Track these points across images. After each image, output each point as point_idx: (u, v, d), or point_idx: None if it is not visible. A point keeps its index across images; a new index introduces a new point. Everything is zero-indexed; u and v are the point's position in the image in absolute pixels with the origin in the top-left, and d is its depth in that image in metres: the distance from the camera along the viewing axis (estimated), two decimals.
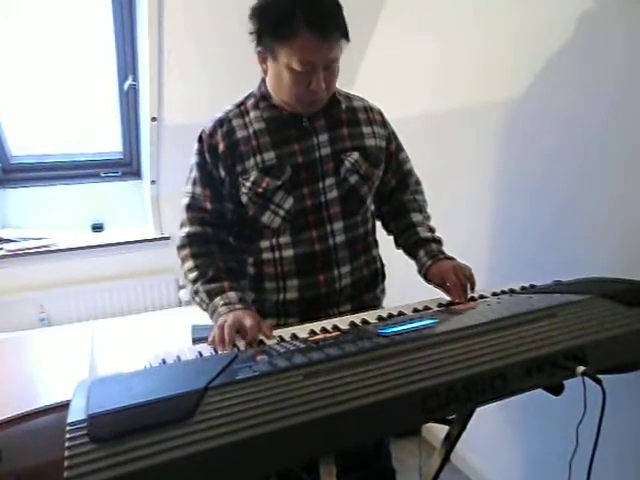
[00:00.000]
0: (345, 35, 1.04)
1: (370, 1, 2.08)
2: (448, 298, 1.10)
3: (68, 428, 0.55)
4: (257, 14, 1.03)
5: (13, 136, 2.45)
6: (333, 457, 1.39)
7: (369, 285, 1.23)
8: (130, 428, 0.55)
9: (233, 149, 1.11)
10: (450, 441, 1.12)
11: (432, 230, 1.27)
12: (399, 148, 1.30)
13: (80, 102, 2.51)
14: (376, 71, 2.24)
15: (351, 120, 1.19)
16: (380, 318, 0.97)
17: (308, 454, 0.62)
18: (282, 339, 0.89)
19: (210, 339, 0.93)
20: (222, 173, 1.12)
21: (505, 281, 1.18)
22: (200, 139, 1.14)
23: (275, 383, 0.64)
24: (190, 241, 1.12)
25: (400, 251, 1.28)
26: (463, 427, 1.09)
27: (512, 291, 1.09)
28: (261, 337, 0.92)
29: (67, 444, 0.53)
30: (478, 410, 0.89)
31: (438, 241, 1.24)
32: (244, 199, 1.11)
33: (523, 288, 1.11)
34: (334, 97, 1.17)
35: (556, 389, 0.82)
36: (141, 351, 0.88)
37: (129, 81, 2.37)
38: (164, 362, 0.81)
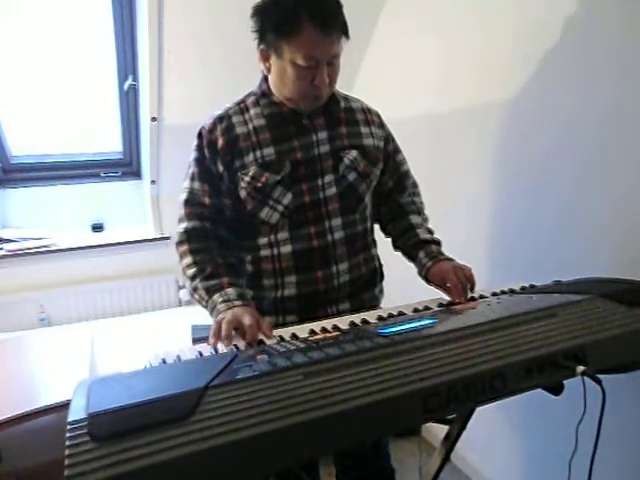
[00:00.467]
0: (345, 32, 1.06)
1: (370, 1, 2.08)
2: (448, 298, 1.10)
3: (68, 427, 0.55)
4: (260, 12, 1.05)
5: (13, 136, 2.45)
6: (332, 457, 1.39)
7: (367, 284, 1.23)
8: (130, 427, 0.55)
9: (232, 145, 1.12)
10: (450, 441, 1.12)
11: (431, 232, 1.28)
12: (396, 150, 1.32)
13: (80, 102, 2.51)
14: (376, 71, 2.24)
15: (349, 120, 1.20)
16: (380, 318, 0.97)
17: (308, 453, 0.62)
18: (282, 339, 0.89)
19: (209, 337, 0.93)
20: (220, 168, 1.12)
21: (505, 281, 1.18)
22: (199, 135, 1.15)
23: (275, 382, 0.64)
24: (188, 237, 1.12)
25: (398, 253, 1.29)
26: (463, 427, 1.09)
27: (512, 291, 1.09)
28: (261, 337, 0.92)
29: (67, 443, 0.53)
30: (478, 410, 0.90)
31: (437, 242, 1.25)
32: (243, 194, 1.12)
33: (523, 288, 1.11)
34: (333, 96, 1.19)
35: (556, 389, 0.82)
36: (141, 351, 0.88)
37: (129, 81, 2.37)
38: (164, 362, 0.81)
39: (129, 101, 2.46)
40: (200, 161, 1.14)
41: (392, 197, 1.31)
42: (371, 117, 1.25)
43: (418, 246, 1.23)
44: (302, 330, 0.92)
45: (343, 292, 1.17)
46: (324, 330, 0.90)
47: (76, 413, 0.58)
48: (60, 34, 2.30)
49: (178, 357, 0.84)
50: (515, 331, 0.79)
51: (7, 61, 2.28)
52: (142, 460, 0.52)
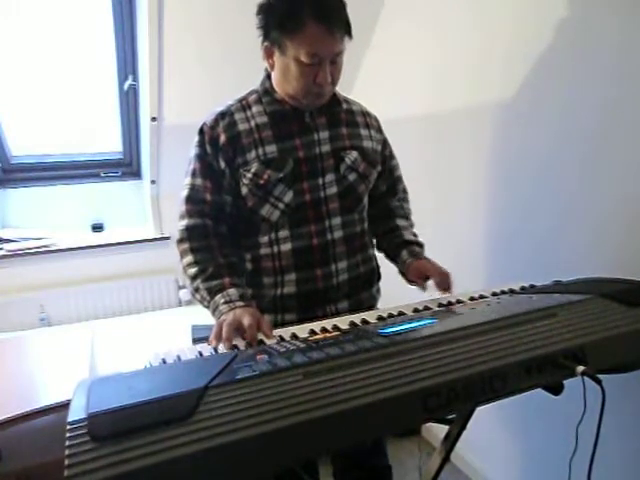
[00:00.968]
0: (349, 31, 1.07)
1: (370, 3, 2.08)
2: (438, 295, 1.13)
3: (68, 427, 0.55)
4: (265, 9, 1.06)
5: (13, 136, 2.45)
6: (330, 457, 1.39)
7: (365, 283, 1.24)
8: (130, 427, 0.55)
9: (234, 141, 1.12)
10: (450, 441, 1.12)
11: (415, 235, 1.31)
12: (391, 155, 1.34)
13: (80, 102, 2.51)
14: (375, 72, 2.24)
15: (350, 121, 1.22)
16: (380, 318, 0.97)
17: (308, 453, 0.62)
18: (282, 339, 0.89)
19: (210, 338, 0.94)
20: (222, 164, 1.12)
21: (505, 281, 1.18)
22: (201, 131, 1.15)
23: (275, 382, 0.64)
24: (189, 235, 1.11)
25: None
26: (463, 427, 1.09)
27: (512, 291, 1.09)
28: (261, 337, 0.92)
29: (67, 443, 0.53)
30: (478, 410, 0.89)
31: (421, 245, 1.28)
32: (244, 190, 1.12)
33: (523, 288, 1.11)
34: (335, 97, 1.20)
35: (556, 389, 0.82)
36: (141, 351, 0.88)
37: (129, 81, 2.37)
38: (164, 362, 0.81)
39: (129, 101, 2.46)
40: (202, 157, 1.14)
41: (383, 200, 1.33)
42: (370, 120, 1.27)
43: (402, 246, 1.26)
44: (302, 330, 0.92)
45: (342, 291, 1.17)
46: (324, 330, 0.90)
47: (76, 413, 0.58)
48: (60, 34, 2.31)
49: (178, 357, 0.84)
50: (515, 331, 0.79)
51: (7, 61, 2.28)
52: (142, 460, 0.52)
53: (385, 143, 1.31)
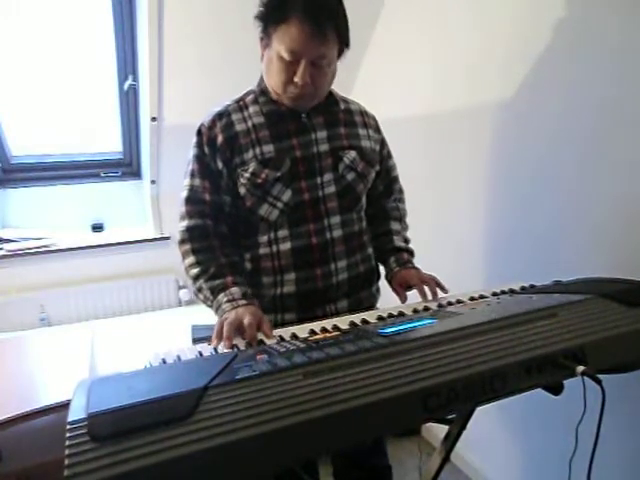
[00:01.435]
0: (342, 38, 1.06)
1: (369, 3, 2.08)
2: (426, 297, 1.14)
3: (68, 427, 0.55)
4: (262, 2, 1.05)
5: (13, 136, 2.45)
6: (330, 457, 1.39)
7: (365, 282, 1.24)
8: (130, 427, 0.55)
9: (232, 141, 1.12)
10: (450, 441, 1.12)
11: (407, 241, 1.32)
12: (389, 155, 1.35)
13: (80, 102, 2.51)
14: (375, 73, 2.24)
15: (348, 121, 1.22)
16: (380, 318, 0.97)
17: (308, 453, 0.62)
18: (282, 339, 0.89)
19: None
20: (220, 165, 1.12)
21: (505, 281, 1.18)
22: (199, 132, 1.15)
23: (275, 382, 0.64)
24: (191, 235, 1.12)
25: None
26: (463, 427, 1.09)
27: (512, 291, 1.09)
28: (261, 336, 0.92)
29: (67, 443, 0.53)
30: (478, 410, 0.89)
31: (410, 252, 1.29)
32: (242, 190, 1.12)
33: (523, 288, 1.11)
34: (333, 97, 1.20)
35: (556, 389, 0.82)
36: (141, 351, 0.89)
37: (129, 81, 2.37)
38: (164, 362, 0.81)
39: (129, 101, 2.46)
40: (200, 158, 1.14)
41: (379, 201, 1.34)
42: (368, 120, 1.27)
43: (391, 252, 1.27)
44: (302, 330, 0.92)
45: (341, 290, 1.17)
46: (324, 330, 0.90)
47: (76, 413, 0.58)
48: (60, 34, 2.30)
49: (178, 357, 0.84)
50: (515, 331, 0.79)
51: (7, 61, 2.28)
52: (142, 460, 0.52)
53: (383, 143, 1.31)
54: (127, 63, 2.34)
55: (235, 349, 0.88)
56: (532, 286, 1.11)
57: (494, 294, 1.08)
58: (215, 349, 0.89)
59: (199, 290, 1.09)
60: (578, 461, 0.90)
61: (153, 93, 2.19)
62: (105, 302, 2.59)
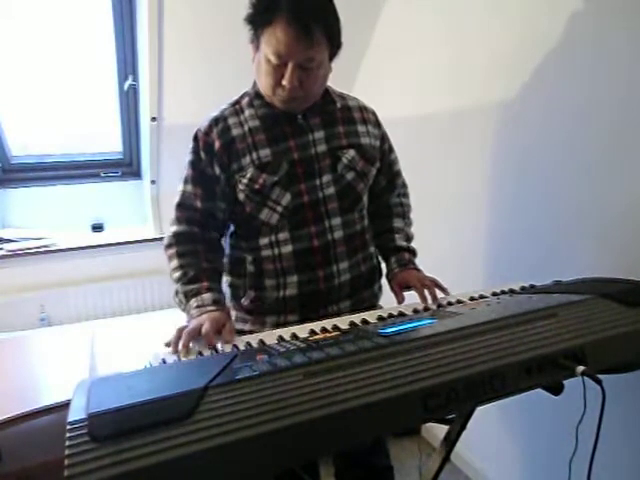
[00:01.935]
0: (331, 39, 1.04)
1: (369, 4, 2.08)
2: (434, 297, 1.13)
3: (68, 427, 0.55)
4: (252, 3, 1.05)
5: (13, 136, 2.45)
6: (331, 457, 1.39)
7: (367, 282, 1.24)
8: (130, 427, 0.55)
9: (229, 147, 1.11)
10: (450, 441, 1.12)
11: (409, 239, 1.31)
12: (390, 149, 1.33)
13: (80, 102, 2.51)
14: (376, 71, 2.24)
15: (346, 118, 1.20)
16: (380, 318, 0.97)
17: (308, 453, 0.62)
18: (282, 339, 0.89)
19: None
20: (217, 171, 1.12)
21: (506, 281, 1.18)
22: (195, 138, 1.15)
23: (275, 382, 0.64)
24: (177, 240, 1.13)
25: None
26: (463, 427, 1.09)
27: (512, 291, 1.09)
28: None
29: (67, 443, 0.53)
30: (478, 410, 0.89)
31: (411, 251, 1.28)
32: (241, 196, 1.12)
33: (523, 288, 1.11)
34: (329, 96, 1.19)
35: (556, 389, 0.82)
36: (141, 351, 0.89)
37: (129, 81, 2.37)
38: (164, 362, 0.81)
39: (129, 101, 2.46)
40: (195, 164, 1.14)
41: (382, 196, 1.32)
42: (367, 115, 1.25)
43: (392, 251, 1.27)
44: (302, 330, 0.92)
45: (344, 291, 1.17)
46: (324, 330, 0.90)
47: (76, 413, 0.58)
48: (60, 34, 2.30)
49: (178, 357, 0.84)
50: (515, 331, 0.79)
51: (7, 61, 2.28)
52: (142, 460, 0.52)
53: (384, 137, 1.29)
54: (127, 63, 2.34)
55: (235, 349, 0.88)
56: (532, 286, 1.11)
57: (494, 294, 1.08)
58: (179, 356, 0.88)
59: (176, 293, 1.09)
60: (578, 461, 0.90)
61: (153, 93, 2.19)
62: (105, 302, 2.59)
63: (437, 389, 0.68)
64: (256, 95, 1.15)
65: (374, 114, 1.28)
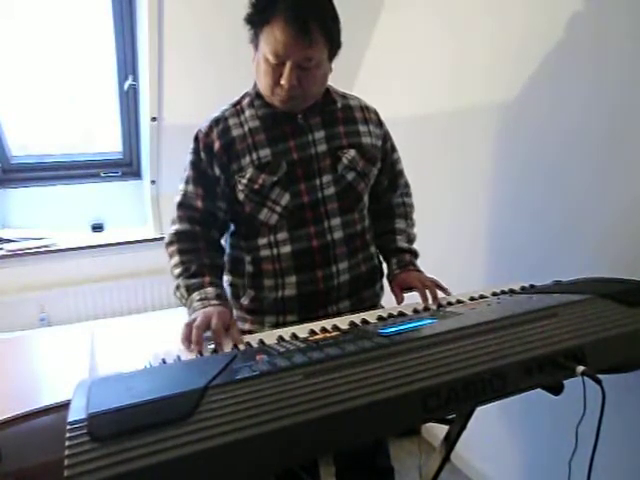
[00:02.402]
0: (330, 38, 1.04)
1: (369, 4, 2.08)
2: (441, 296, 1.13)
3: (68, 427, 0.55)
4: (250, 3, 1.05)
5: (13, 136, 2.45)
6: (332, 457, 1.39)
7: (367, 282, 1.23)
8: (130, 427, 0.55)
9: (229, 147, 1.12)
10: (450, 441, 1.12)
11: (411, 240, 1.31)
12: (393, 148, 1.32)
13: (80, 102, 2.51)
14: (377, 70, 2.24)
15: (347, 118, 1.20)
16: (380, 318, 0.97)
17: (308, 453, 0.62)
18: (282, 339, 0.89)
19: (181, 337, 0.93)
20: (217, 171, 1.12)
21: (505, 282, 1.18)
22: (196, 138, 1.15)
23: (275, 382, 0.64)
24: (178, 238, 1.13)
25: None
26: (463, 427, 1.09)
27: (512, 291, 1.09)
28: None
29: (67, 443, 0.53)
30: (478, 410, 0.89)
31: (412, 252, 1.28)
32: (240, 196, 1.12)
33: (523, 288, 1.11)
34: (330, 96, 1.18)
35: (556, 389, 0.82)
36: (141, 351, 0.89)
37: (129, 81, 2.37)
38: (164, 362, 0.81)
39: (129, 101, 2.46)
40: (196, 164, 1.14)
41: (385, 196, 1.32)
42: (369, 115, 1.24)
43: (393, 253, 1.27)
44: (302, 330, 0.92)
45: (343, 291, 1.17)
46: (324, 330, 0.90)
47: (76, 413, 0.58)
48: (60, 34, 2.31)
49: (178, 357, 0.84)
50: (515, 331, 0.79)
51: (7, 61, 2.28)
52: (142, 460, 0.52)
53: (386, 137, 1.28)
54: (127, 63, 2.34)
55: (235, 349, 0.88)
56: (532, 286, 1.11)
57: (494, 294, 1.08)
58: (200, 352, 0.88)
59: (177, 288, 1.09)
60: (578, 461, 0.90)
61: (153, 93, 2.19)
62: (105, 302, 2.59)
63: (437, 389, 0.68)
64: (257, 95, 1.15)
65: (376, 113, 1.27)
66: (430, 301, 1.10)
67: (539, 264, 1.47)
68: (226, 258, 1.23)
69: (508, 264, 1.61)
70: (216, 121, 1.14)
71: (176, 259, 1.11)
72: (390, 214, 1.32)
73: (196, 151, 1.14)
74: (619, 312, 0.87)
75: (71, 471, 0.51)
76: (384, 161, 1.27)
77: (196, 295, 1.03)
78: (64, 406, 0.65)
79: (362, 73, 2.31)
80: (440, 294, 1.13)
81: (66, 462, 0.51)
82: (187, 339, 0.91)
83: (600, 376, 0.75)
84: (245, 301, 1.19)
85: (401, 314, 0.98)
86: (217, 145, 1.12)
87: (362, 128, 1.21)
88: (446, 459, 1.14)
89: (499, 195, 1.62)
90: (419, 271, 1.23)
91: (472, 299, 1.06)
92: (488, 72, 1.61)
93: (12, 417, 1.24)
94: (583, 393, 0.80)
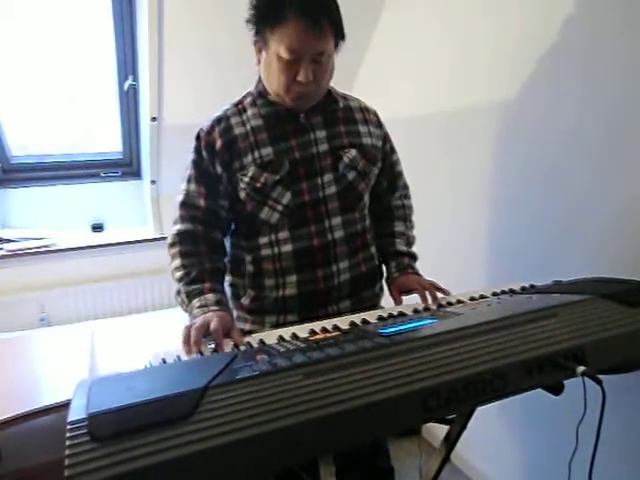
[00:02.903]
0: (337, 31, 1.05)
1: (369, 4, 2.08)
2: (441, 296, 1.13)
3: (68, 427, 0.55)
4: (254, 2, 1.05)
5: (13, 136, 2.45)
6: (332, 457, 1.39)
7: (368, 282, 1.23)
8: (130, 427, 0.55)
9: (230, 146, 1.12)
10: (450, 441, 1.12)
11: (410, 243, 1.31)
12: (392, 149, 1.33)
13: (80, 102, 2.51)
14: (376, 70, 2.24)
15: (348, 118, 1.20)
16: (380, 318, 0.97)
17: (308, 453, 0.62)
18: (282, 339, 0.89)
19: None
20: (219, 170, 1.12)
21: (506, 282, 1.18)
22: (197, 137, 1.15)
23: (275, 382, 0.64)
24: (180, 239, 1.12)
25: None
26: (463, 427, 1.09)
27: (512, 291, 1.09)
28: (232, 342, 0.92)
29: (67, 443, 0.53)
30: (478, 410, 0.90)
31: (412, 256, 1.28)
32: (242, 195, 1.12)
33: (523, 288, 1.11)
34: (331, 95, 1.19)
35: (556, 389, 0.82)
36: (141, 351, 0.89)
37: (129, 81, 2.37)
38: (164, 362, 0.81)
39: (129, 101, 2.46)
40: (198, 163, 1.14)
41: (384, 198, 1.32)
42: (369, 116, 1.25)
43: (392, 256, 1.27)
44: (302, 330, 0.92)
45: (344, 291, 1.17)
46: (324, 330, 0.90)
47: (76, 413, 0.58)
48: (60, 34, 2.31)
49: (178, 357, 0.84)
50: (515, 331, 0.79)
51: (7, 61, 2.28)
52: (142, 460, 0.52)
53: (386, 138, 1.29)
54: (127, 63, 2.34)
55: (235, 349, 0.88)
56: (532, 286, 1.11)
57: (494, 294, 1.08)
58: (202, 352, 0.88)
59: (178, 293, 1.09)
60: (578, 461, 0.90)
61: (153, 93, 2.19)
62: (105, 302, 2.59)
63: (437, 389, 0.68)
64: (259, 95, 1.15)
65: (376, 115, 1.28)
66: (430, 302, 1.10)
67: (539, 264, 1.47)
68: (226, 258, 1.22)
69: (508, 264, 1.61)
70: (218, 120, 1.15)
71: (177, 262, 1.11)
72: (389, 216, 1.32)
73: (198, 150, 1.15)
74: (619, 312, 0.87)
75: (71, 471, 0.51)
76: (384, 162, 1.27)
77: (196, 302, 1.03)
78: (64, 406, 0.65)
79: (362, 73, 2.31)
80: (440, 295, 1.13)
81: (66, 462, 0.51)
82: (187, 342, 0.91)
83: (600, 376, 0.75)
84: (246, 301, 1.19)
85: (401, 314, 0.98)
86: (219, 143, 1.12)
87: (362, 129, 1.21)
88: (446, 459, 1.14)
89: (499, 195, 1.62)
90: (418, 274, 1.23)
91: (472, 299, 1.06)
92: (488, 72, 1.61)
93: (12, 417, 1.24)
94: (583, 393, 0.80)
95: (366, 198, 1.23)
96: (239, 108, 1.16)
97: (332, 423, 0.62)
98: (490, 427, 1.73)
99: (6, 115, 2.37)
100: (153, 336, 2.21)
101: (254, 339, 0.91)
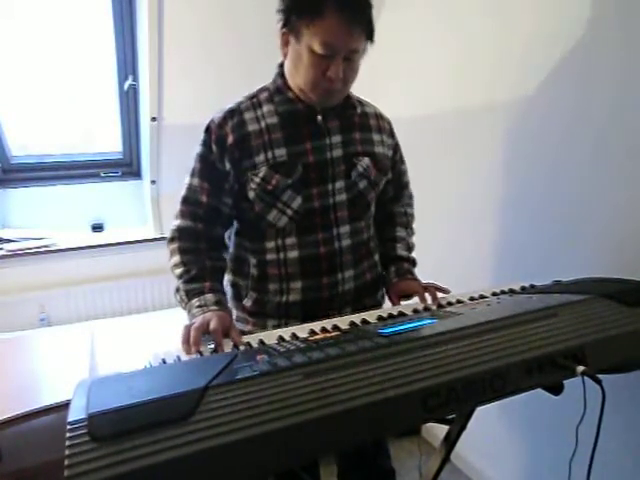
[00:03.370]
0: (369, 32, 1.05)
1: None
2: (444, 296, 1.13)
3: (68, 427, 0.55)
4: None
5: (13, 136, 2.45)
6: (333, 457, 1.39)
7: (370, 290, 1.23)
8: (130, 427, 0.55)
9: (243, 142, 1.08)
10: (450, 441, 1.12)
11: (410, 249, 1.30)
12: (402, 159, 1.32)
13: (80, 102, 2.51)
14: (376, 70, 2.24)
15: (363, 125, 1.18)
16: (380, 318, 0.97)
17: (308, 453, 0.62)
18: (282, 339, 0.89)
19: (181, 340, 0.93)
20: (227, 166, 1.09)
21: (506, 282, 1.18)
22: (207, 129, 1.11)
23: (275, 382, 0.64)
24: (180, 235, 1.11)
25: None
26: (463, 427, 1.09)
27: (512, 291, 1.09)
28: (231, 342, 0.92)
29: (67, 443, 0.53)
30: (478, 410, 0.89)
31: (412, 261, 1.27)
32: (251, 195, 1.09)
33: (523, 288, 1.11)
34: (350, 100, 1.17)
35: (556, 389, 0.82)
36: (141, 351, 0.89)
37: (129, 81, 2.37)
38: (164, 362, 0.81)
39: (129, 101, 2.46)
40: (204, 157, 1.11)
41: (388, 205, 1.32)
42: (383, 124, 1.23)
43: (392, 260, 1.26)
44: (302, 330, 0.92)
45: (347, 298, 1.16)
46: (324, 330, 0.90)
47: (76, 413, 0.58)
48: (60, 34, 2.31)
49: (178, 357, 0.84)
50: (515, 331, 0.79)
51: (7, 61, 2.28)
52: (142, 460, 0.52)
53: (396, 147, 1.28)
54: (127, 63, 2.34)
55: (235, 349, 0.88)
56: (532, 286, 1.11)
57: (494, 294, 1.08)
58: (201, 352, 0.88)
59: (177, 291, 1.08)
60: (578, 461, 0.90)
61: (153, 93, 2.19)
62: (105, 302, 2.59)
63: (437, 389, 0.68)
64: (277, 90, 1.11)
65: (389, 123, 1.26)
66: (430, 301, 1.10)
67: (539, 264, 1.47)
68: (229, 257, 1.21)
69: (508, 264, 1.61)
70: (231, 113, 1.10)
71: (177, 258, 1.09)
72: (391, 222, 1.31)
73: (207, 143, 1.10)
74: (619, 312, 0.87)
75: (71, 471, 0.51)
76: (392, 171, 1.26)
77: (195, 301, 1.02)
78: (64, 406, 0.65)
79: (362, 73, 2.30)
80: (440, 294, 1.13)
81: (66, 462, 0.51)
82: (186, 342, 0.91)
83: (600, 376, 0.75)
84: (247, 303, 1.17)
85: (401, 314, 0.98)
86: (231, 139, 1.08)
87: (376, 137, 1.19)
88: (446, 459, 1.14)
89: (499, 195, 1.62)
90: (416, 280, 1.23)
91: (472, 299, 1.06)
92: (488, 72, 1.61)
93: (12, 417, 1.24)
94: (583, 393, 0.80)
95: (373, 207, 1.22)
96: (254, 102, 1.12)
97: (332, 423, 0.62)
98: (490, 427, 1.73)
99: (6, 115, 2.37)
100: (153, 336, 2.21)
101: (254, 339, 0.91)
